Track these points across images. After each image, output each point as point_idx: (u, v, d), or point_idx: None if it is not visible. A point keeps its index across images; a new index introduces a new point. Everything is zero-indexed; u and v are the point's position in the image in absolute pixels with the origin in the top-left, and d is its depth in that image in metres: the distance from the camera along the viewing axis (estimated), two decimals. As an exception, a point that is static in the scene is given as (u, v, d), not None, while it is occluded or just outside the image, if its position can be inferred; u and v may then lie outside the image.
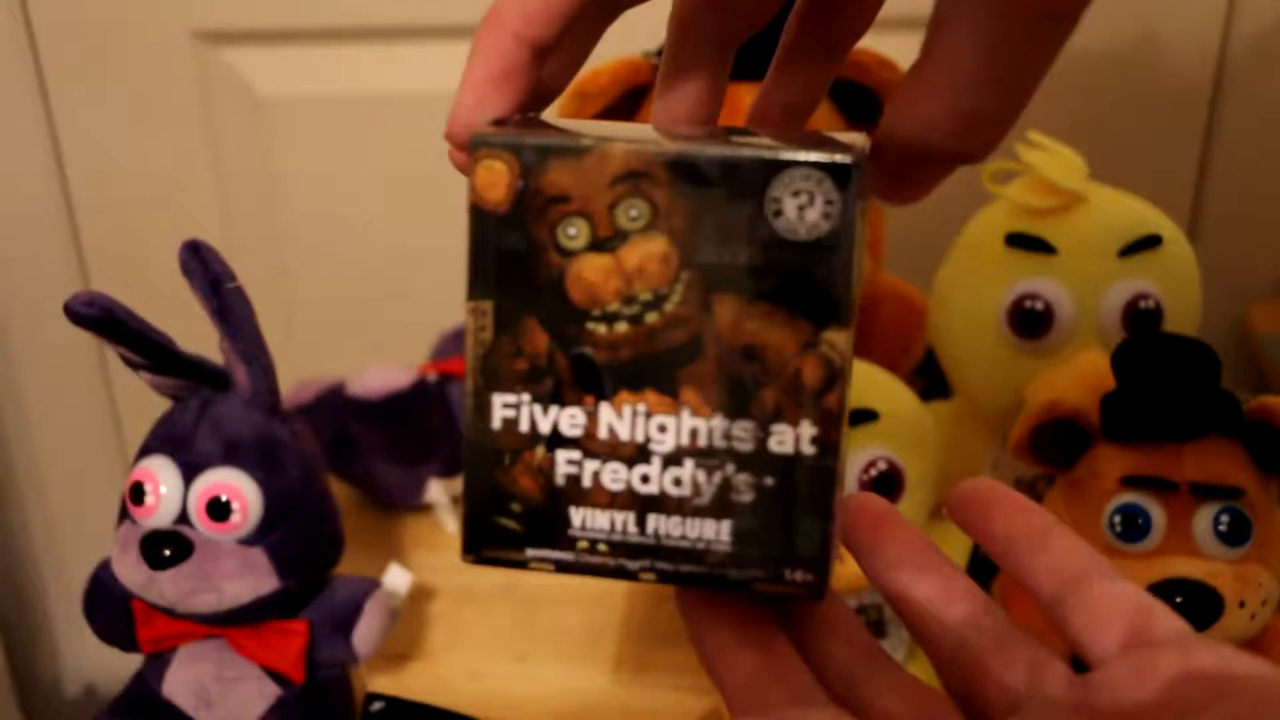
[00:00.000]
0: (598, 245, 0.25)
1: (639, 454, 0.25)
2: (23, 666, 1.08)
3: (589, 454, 0.26)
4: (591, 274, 0.25)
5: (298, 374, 0.75)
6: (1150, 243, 0.56)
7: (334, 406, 0.73)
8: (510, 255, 0.25)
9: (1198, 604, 0.45)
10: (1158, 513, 0.47)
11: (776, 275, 0.24)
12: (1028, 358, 0.56)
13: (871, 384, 0.55)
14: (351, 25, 0.88)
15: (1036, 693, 0.25)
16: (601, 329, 0.25)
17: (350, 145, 0.91)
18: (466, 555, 0.27)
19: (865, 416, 0.53)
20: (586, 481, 0.26)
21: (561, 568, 0.26)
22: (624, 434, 0.25)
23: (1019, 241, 0.56)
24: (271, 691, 0.53)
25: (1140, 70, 0.84)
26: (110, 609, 0.53)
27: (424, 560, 0.70)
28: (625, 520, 0.26)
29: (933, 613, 0.27)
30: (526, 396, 0.26)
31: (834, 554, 0.26)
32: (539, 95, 0.29)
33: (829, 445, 0.25)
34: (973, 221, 0.60)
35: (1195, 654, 0.23)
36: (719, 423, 0.25)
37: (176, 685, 0.53)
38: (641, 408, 0.25)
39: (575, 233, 0.25)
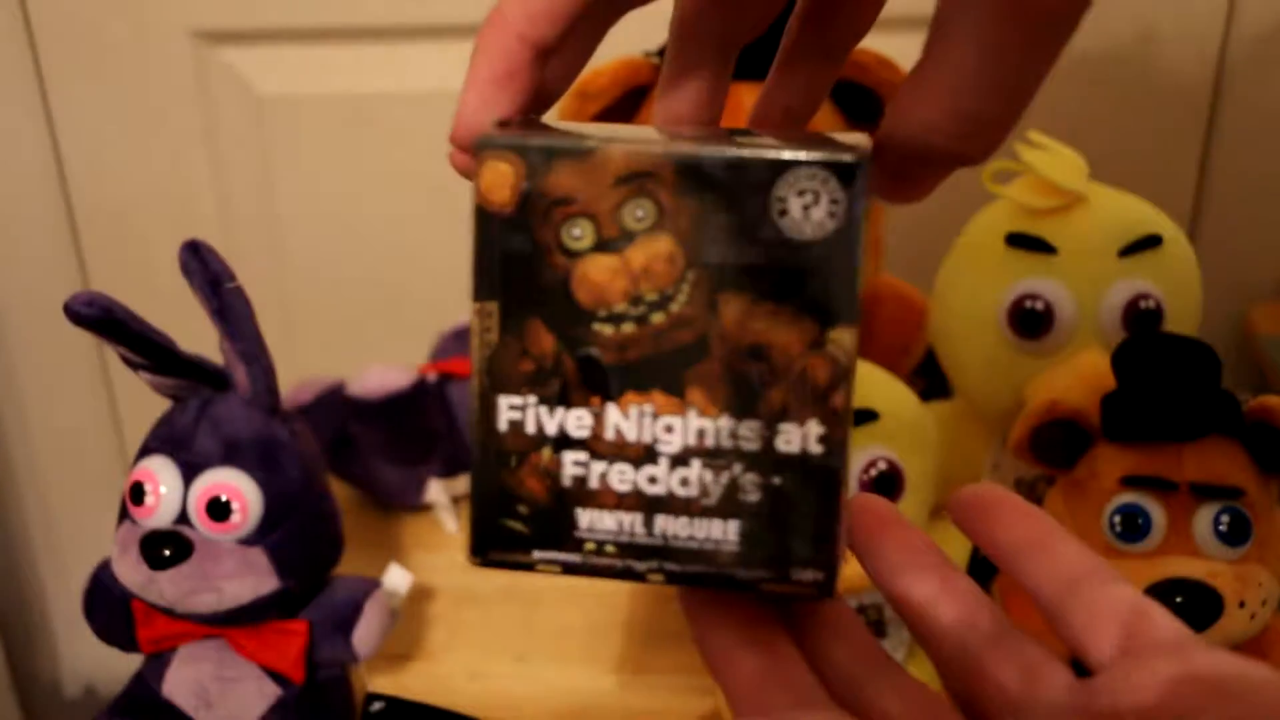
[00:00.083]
0: (603, 246, 0.25)
1: (646, 455, 0.25)
2: (23, 666, 1.08)
3: (596, 455, 0.26)
4: (597, 274, 0.25)
5: (298, 374, 0.75)
6: (1150, 243, 0.56)
7: (334, 406, 0.73)
8: (515, 257, 0.25)
9: (1198, 604, 0.45)
10: (1158, 513, 0.47)
11: (782, 274, 0.24)
12: (1028, 358, 0.56)
13: (871, 384, 0.55)
14: (351, 25, 0.88)
15: (1037, 696, 0.25)
16: (608, 330, 0.25)
17: (350, 145, 0.91)
18: (473, 558, 0.27)
19: (865, 416, 0.53)
20: (593, 483, 0.26)
21: (569, 570, 0.26)
22: (631, 435, 0.25)
23: (1019, 241, 0.56)
24: (271, 691, 0.53)
25: (1140, 70, 0.84)
26: (110, 609, 0.53)
27: (424, 560, 0.70)
28: (633, 521, 0.26)
29: (934, 615, 0.27)
30: (533, 398, 0.26)
31: (841, 553, 0.26)
32: (540, 97, 0.29)
33: (836, 444, 0.25)
34: (973, 221, 0.60)
35: (1195, 658, 0.23)
36: (726, 423, 0.25)
37: (176, 685, 0.53)
38: (648, 408, 0.25)
39: (581, 234, 0.25)
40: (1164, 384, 0.46)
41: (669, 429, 0.25)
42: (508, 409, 0.26)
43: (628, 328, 0.25)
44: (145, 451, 0.52)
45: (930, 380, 0.71)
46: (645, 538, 0.26)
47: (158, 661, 0.54)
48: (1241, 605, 0.45)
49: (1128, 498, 0.47)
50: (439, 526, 0.74)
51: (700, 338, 0.25)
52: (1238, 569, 0.46)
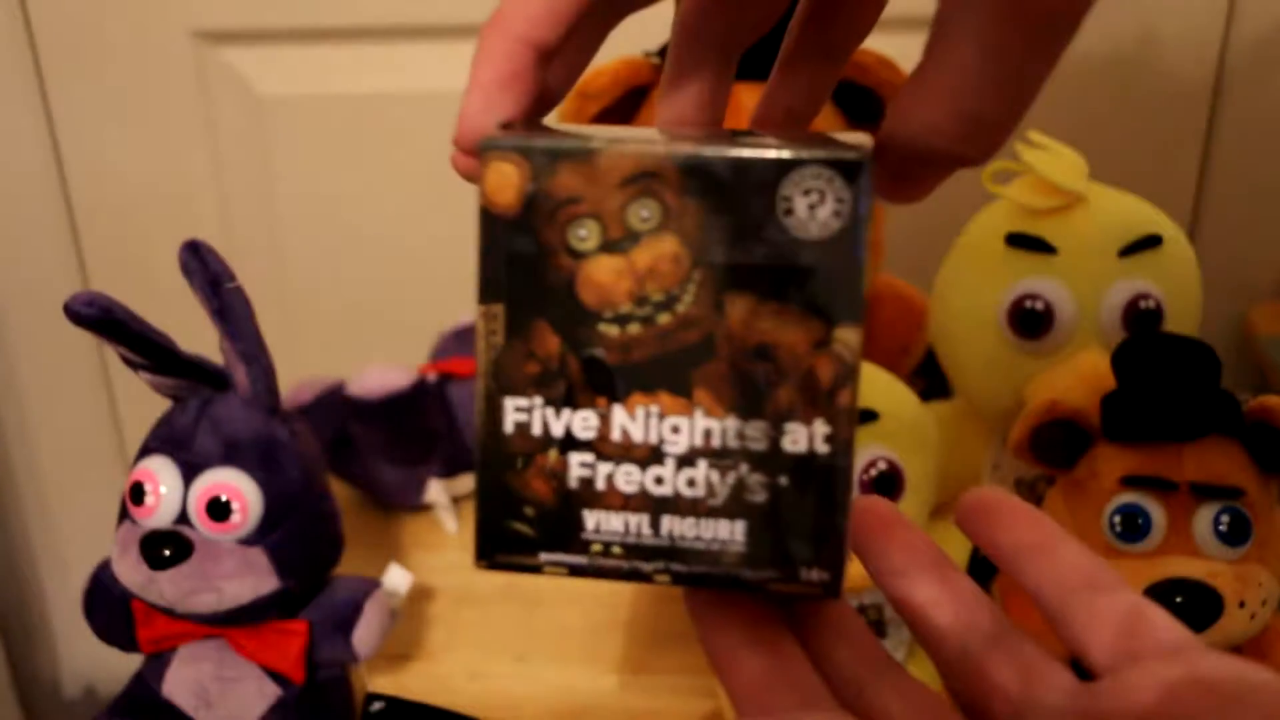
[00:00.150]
0: (609, 246, 0.25)
1: (652, 455, 0.25)
2: (23, 666, 1.08)
3: (602, 456, 0.26)
4: (603, 275, 0.25)
5: (298, 374, 0.75)
6: (1150, 243, 0.56)
7: (334, 406, 0.73)
8: (521, 258, 0.25)
9: (1198, 604, 0.45)
10: (1158, 513, 0.47)
11: (788, 274, 0.24)
12: (1028, 358, 0.56)
13: (871, 384, 0.55)
14: (351, 25, 0.88)
15: (1037, 698, 0.25)
16: (613, 330, 0.25)
17: (350, 145, 0.91)
18: (480, 561, 0.26)
19: (865, 416, 0.53)
20: (600, 484, 0.26)
21: (575, 571, 0.26)
22: (637, 436, 0.25)
23: (1019, 241, 0.56)
24: (271, 691, 0.53)
25: (1140, 70, 0.84)
26: (110, 609, 0.53)
27: (424, 560, 0.70)
28: (639, 522, 0.26)
29: (937, 619, 0.27)
30: (539, 400, 0.26)
31: (847, 552, 0.26)
32: (542, 99, 0.29)
33: (842, 444, 0.25)
34: (973, 221, 0.60)
35: (1195, 661, 0.23)
36: (732, 423, 0.25)
37: (176, 685, 0.53)
38: (654, 409, 0.25)
39: (586, 234, 0.25)
40: (1164, 384, 0.46)
41: (675, 430, 0.25)
42: (513, 411, 0.26)
43: (633, 328, 0.25)
44: (145, 451, 0.52)
45: (930, 380, 0.71)
46: (652, 539, 0.26)
47: (158, 661, 0.54)
48: (1241, 605, 0.45)
49: (1128, 498, 0.47)
50: (439, 526, 0.74)
51: (706, 338, 0.25)
52: (1238, 569, 0.46)
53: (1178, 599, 0.45)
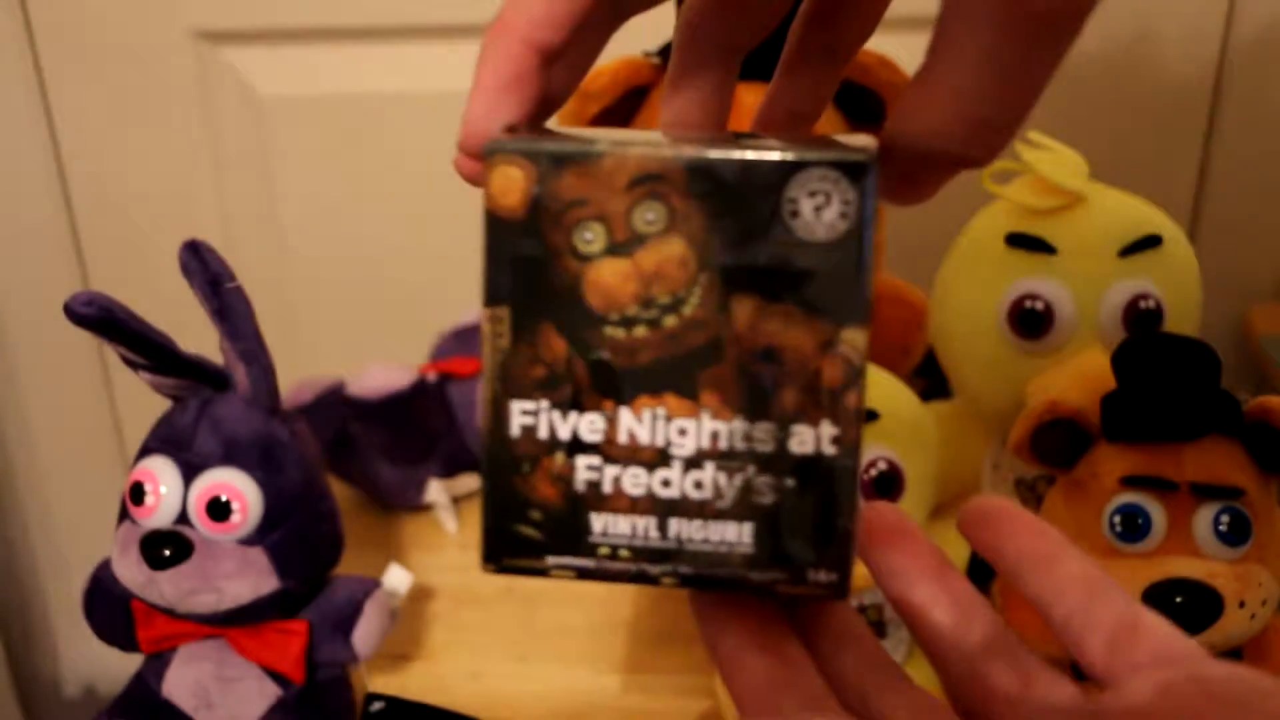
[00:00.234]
0: (615, 249, 0.25)
1: (659, 458, 0.25)
2: (23, 666, 1.08)
3: (609, 459, 0.25)
4: (609, 278, 0.25)
5: (298, 374, 0.75)
6: (1150, 243, 0.56)
7: (334, 406, 0.73)
8: (526, 261, 0.25)
9: (1198, 604, 0.45)
10: (1158, 513, 0.47)
11: (794, 276, 0.24)
12: (1028, 358, 0.56)
13: (872, 384, 0.55)
14: (351, 25, 0.88)
15: (1036, 703, 0.25)
16: (620, 333, 0.25)
17: (350, 145, 0.91)
18: (487, 565, 0.26)
19: (866, 416, 0.53)
20: (607, 487, 0.26)
21: (583, 575, 0.26)
22: (644, 438, 0.25)
23: (1019, 241, 0.56)
24: (271, 691, 0.53)
25: (1140, 70, 0.84)
26: (110, 609, 0.53)
27: (424, 560, 0.70)
28: (647, 525, 0.26)
29: (941, 627, 0.27)
30: (545, 403, 0.26)
31: (854, 553, 0.26)
32: (545, 102, 0.29)
33: (849, 445, 0.25)
34: (973, 221, 0.60)
35: (1194, 666, 0.23)
36: (739, 425, 0.25)
37: (176, 685, 0.53)
38: (661, 411, 0.25)
39: (592, 237, 0.25)
40: (1164, 384, 0.46)
41: (682, 432, 0.25)
42: (520, 414, 0.26)
43: (640, 331, 0.25)
44: (145, 451, 0.52)
45: (930, 380, 0.71)
46: (659, 541, 0.26)
47: (158, 661, 0.54)
48: (1241, 605, 0.45)
49: (1128, 498, 0.47)
50: (439, 526, 0.74)
51: (712, 340, 0.25)
52: (1238, 569, 0.46)
53: (1178, 599, 0.45)
